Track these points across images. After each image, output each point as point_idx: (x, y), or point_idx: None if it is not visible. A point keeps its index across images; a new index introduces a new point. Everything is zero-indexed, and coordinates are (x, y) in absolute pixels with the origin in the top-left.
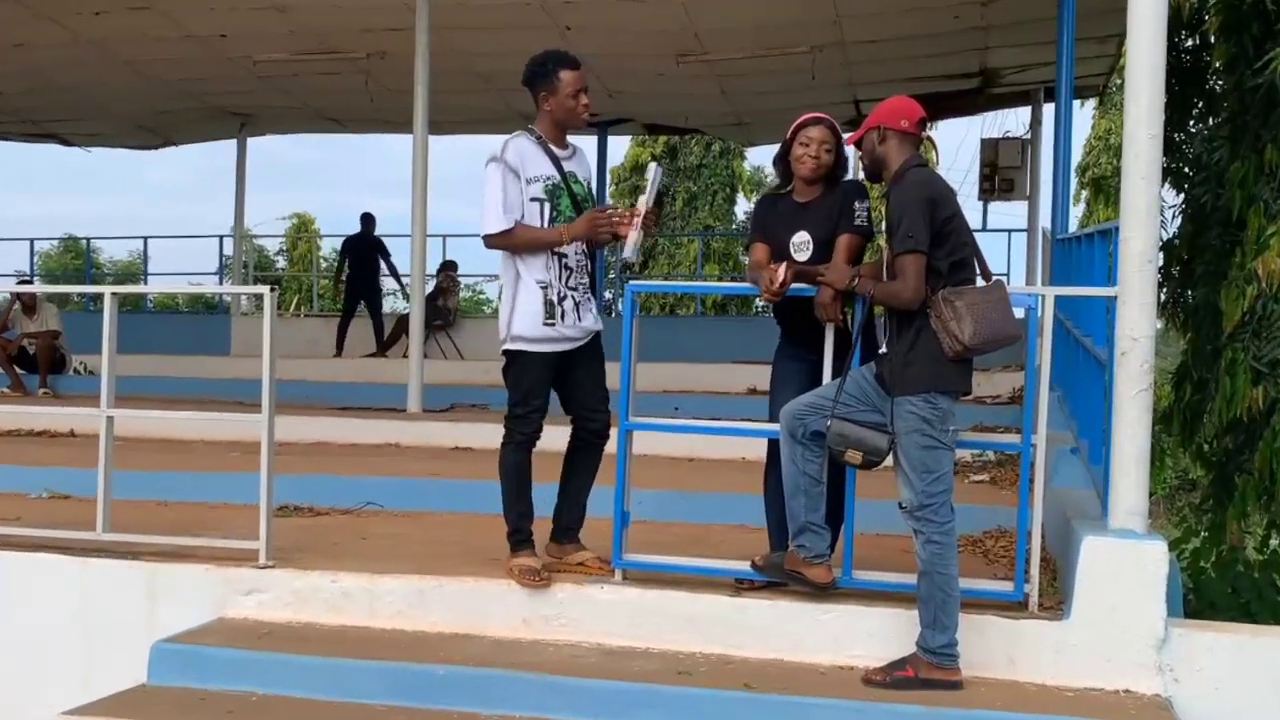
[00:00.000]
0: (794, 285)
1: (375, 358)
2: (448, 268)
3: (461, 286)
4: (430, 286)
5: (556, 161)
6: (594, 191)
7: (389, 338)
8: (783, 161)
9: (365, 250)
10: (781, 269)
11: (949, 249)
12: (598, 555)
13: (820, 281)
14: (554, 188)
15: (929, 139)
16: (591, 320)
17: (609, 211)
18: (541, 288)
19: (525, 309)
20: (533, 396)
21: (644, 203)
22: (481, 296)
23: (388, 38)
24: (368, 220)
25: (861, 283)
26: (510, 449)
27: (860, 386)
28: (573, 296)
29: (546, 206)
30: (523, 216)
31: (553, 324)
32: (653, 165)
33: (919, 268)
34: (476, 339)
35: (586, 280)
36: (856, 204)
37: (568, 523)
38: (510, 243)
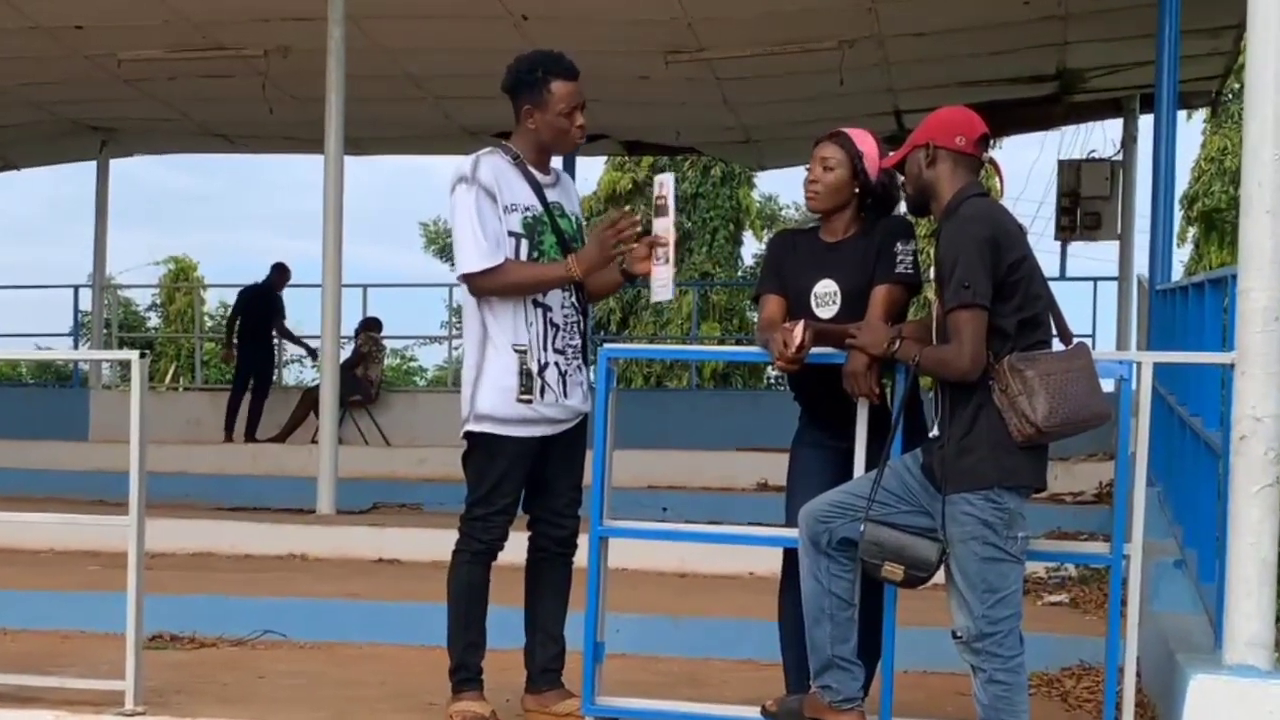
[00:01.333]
0: (816, 350)
1: (274, 443)
2: (369, 327)
3: (386, 352)
4: (346, 351)
5: (539, 188)
6: (583, 228)
7: (290, 419)
8: None
9: (261, 308)
10: (799, 328)
11: (1017, 303)
12: None
13: (850, 345)
14: (535, 221)
15: (991, 162)
16: (579, 398)
17: (620, 224)
18: (518, 353)
19: (495, 380)
20: (499, 494)
21: (667, 226)
22: (412, 364)
23: (292, 29)
24: (276, 271)
25: (904, 346)
26: (464, 560)
27: (902, 481)
28: (557, 364)
29: (524, 244)
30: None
31: (530, 400)
32: (666, 176)
33: (978, 327)
34: (407, 419)
35: (577, 342)
36: (899, 245)
37: (544, 663)
38: (502, 283)
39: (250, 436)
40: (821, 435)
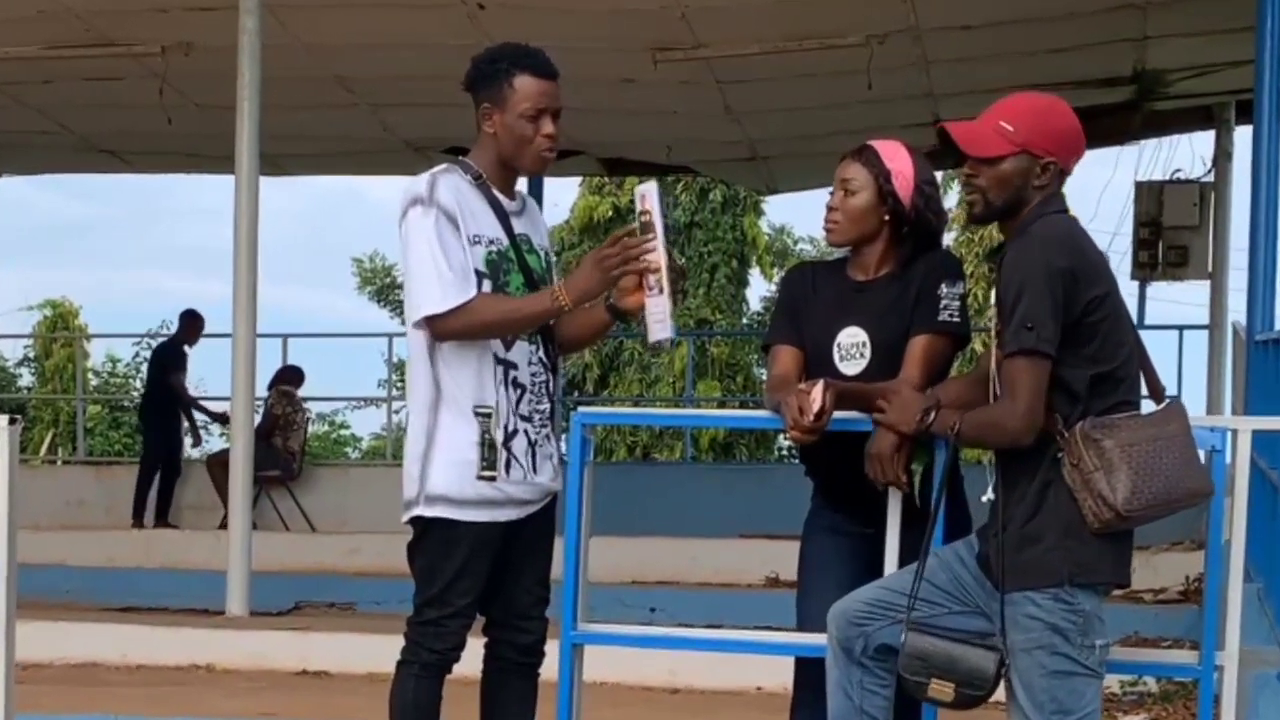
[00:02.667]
0: (838, 414)
1: (167, 529)
2: (284, 380)
3: (310, 415)
4: (259, 413)
5: (504, 217)
6: (553, 266)
7: (221, 495)
8: None
9: (164, 365)
10: (819, 389)
11: (1092, 352)
12: None
13: (877, 422)
14: (500, 257)
15: None
16: (550, 473)
17: (628, 243)
18: (480, 417)
19: (451, 452)
20: (456, 592)
21: (658, 250)
22: (343, 431)
23: (196, 21)
24: (184, 321)
25: (940, 417)
26: (412, 674)
27: (953, 575)
28: (526, 433)
29: (487, 285)
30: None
31: (493, 477)
32: (648, 186)
33: (1037, 379)
34: (336, 499)
35: (546, 406)
36: (944, 287)
37: None
38: (475, 323)
39: (162, 520)
40: (840, 519)
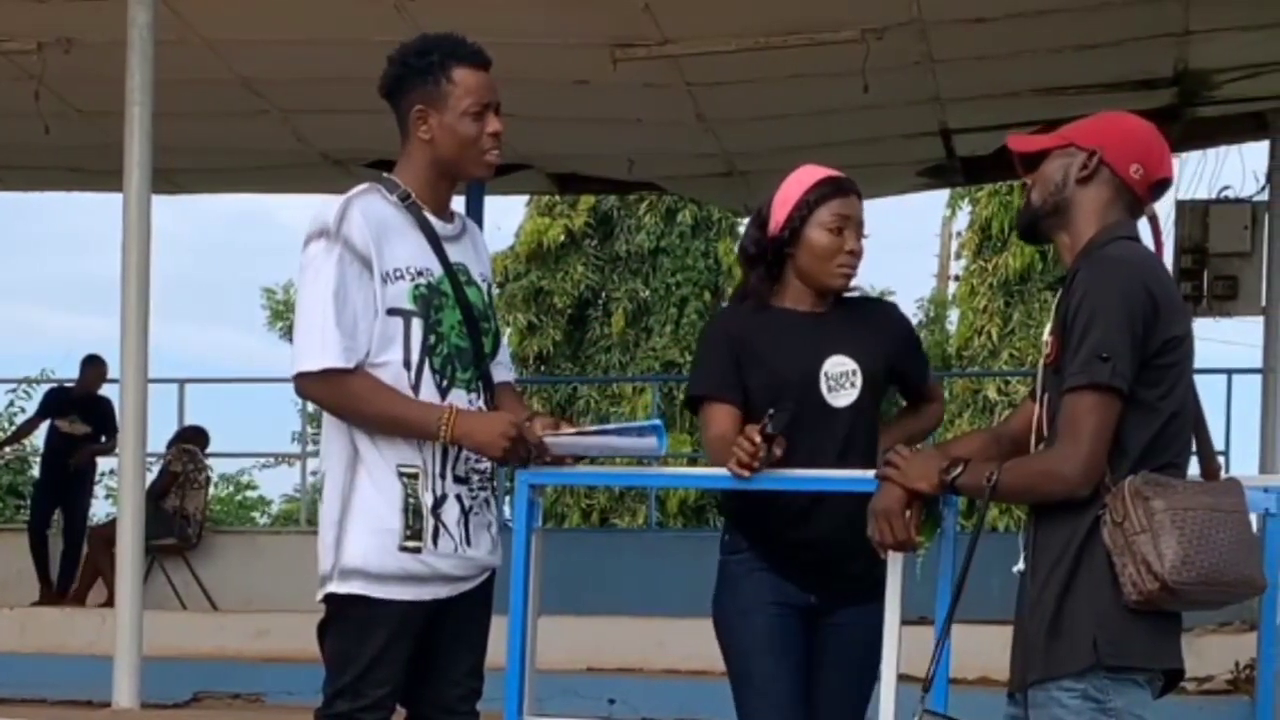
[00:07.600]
0: (816, 473)
1: (56, 606)
2: (185, 439)
3: (212, 475)
4: (153, 472)
5: (437, 242)
6: (494, 300)
7: (84, 572)
8: (772, 244)
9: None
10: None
11: (1156, 399)
12: None
13: (886, 479)
14: (431, 291)
15: (1152, 219)
16: (487, 546)
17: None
18: (405, 479)
19: (370, 520)
20: (372, 681)
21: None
22: (250, 493)
23: (77, 13)
24: (88, 366)
25: (968, 470)
26: None
27: None
28: (460, 498)
29: (416, 325)
30: (371, 346)
31: (418, 548)
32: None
33: (1105, 420)
34: (242, 572)
35: (486, 465)
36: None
37: None
38: (341, 403)
39: (63, 593)
40: (790, 589)
